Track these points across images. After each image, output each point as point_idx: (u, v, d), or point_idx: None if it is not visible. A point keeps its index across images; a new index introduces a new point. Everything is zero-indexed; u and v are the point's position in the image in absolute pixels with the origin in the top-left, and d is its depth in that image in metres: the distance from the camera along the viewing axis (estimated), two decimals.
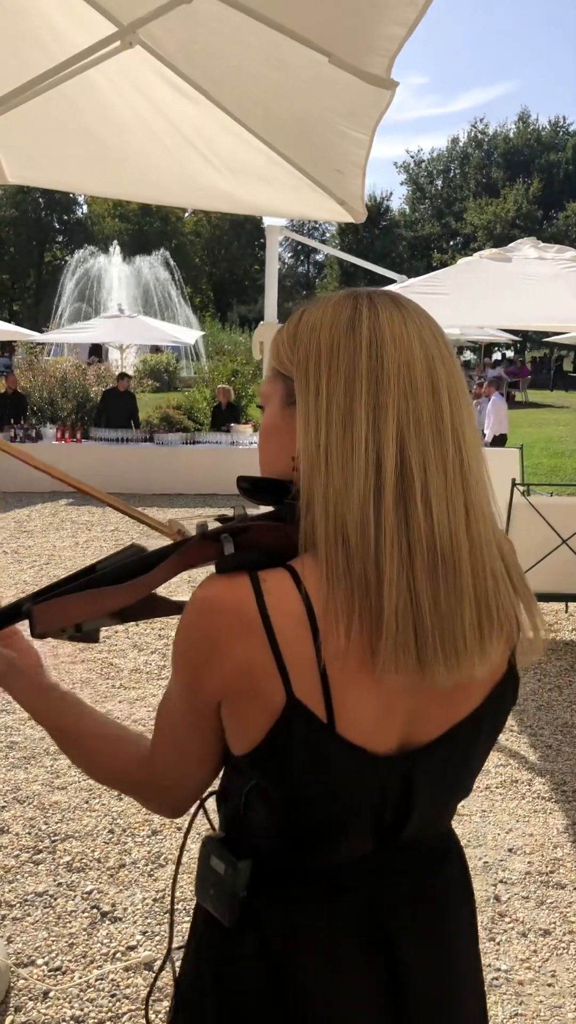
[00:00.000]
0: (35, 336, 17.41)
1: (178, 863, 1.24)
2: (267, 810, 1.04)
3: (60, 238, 52.99)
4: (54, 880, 3.27)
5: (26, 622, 1.11)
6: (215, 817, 1.18)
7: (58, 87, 2.74)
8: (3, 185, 3.48)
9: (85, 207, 53.34)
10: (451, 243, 53.04)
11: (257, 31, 2.24)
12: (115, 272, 28.55)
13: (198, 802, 1.17)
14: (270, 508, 1.09)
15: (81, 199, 52.45)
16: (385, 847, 1.08)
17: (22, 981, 2.74)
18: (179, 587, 5.40)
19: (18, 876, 3.29)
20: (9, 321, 28.57)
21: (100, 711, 1.23)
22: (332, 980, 1.06)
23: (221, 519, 1.05)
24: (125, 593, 1.08)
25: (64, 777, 4.07)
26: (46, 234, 52.28)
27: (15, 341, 18.48)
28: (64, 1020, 2.58)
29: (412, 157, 61.65)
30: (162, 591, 1.17)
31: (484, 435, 13.89)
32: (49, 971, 2.79)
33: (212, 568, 1.02)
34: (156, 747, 1.12)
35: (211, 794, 1.16)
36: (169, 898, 2.85)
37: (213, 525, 1.05)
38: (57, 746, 1.22)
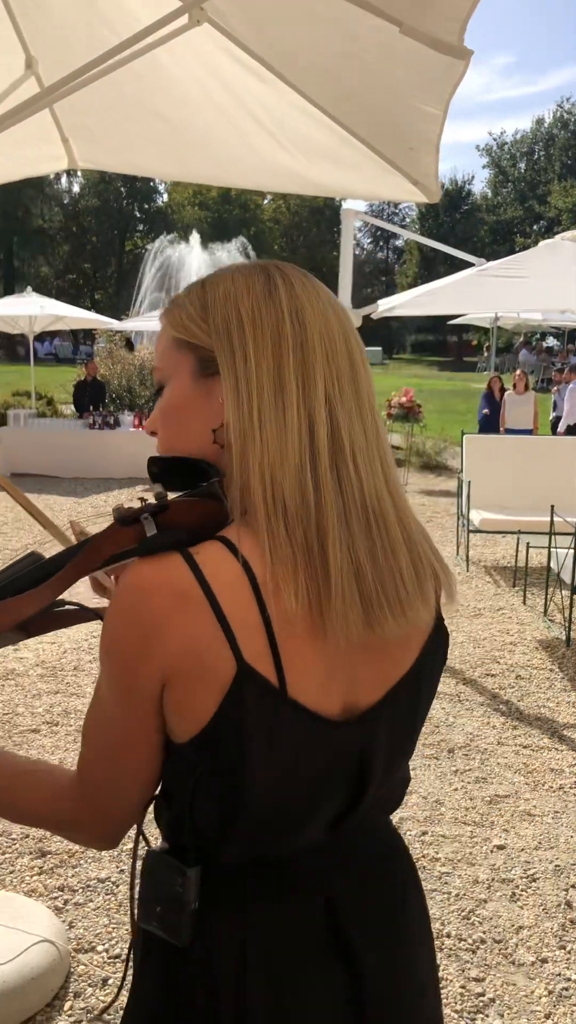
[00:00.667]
0: (113, 324, 17.60)
1: (131, 896, 1.11)
2: (216, 799, 0.97)
3: (141, 227, 53.56)
4: (117, 867, 3.27)
5: None
6: (152, 835, 1.10)
7: (126, 67, 2.71)
8: (73, 170, 3.47)
9: (165, 196, 53.81)
10: (534, 227, 51.87)
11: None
12: (193, 260, 28.67)
13: (135, 826, 1.07)
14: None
15: (161, 188, 52.95)
16: (339, 836, 1.05)
17: (82, 967, 2.74)
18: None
19: (82, 861, 3.30)
20: (90, 309, 28.99)
21: (9, 752, 1.12)
22: (291, 991, 1.01)
23: (119, 510, 1.01)
24: (26, 603, 1.00)
25: None
26: (127, 223, 52.92)
27: (95, 329, 18.73)
28: (120, 1008, 2.57)
29: (495, 139, 60.51)
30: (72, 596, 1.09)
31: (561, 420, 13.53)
32: (109, 958, 2.79)
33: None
34: (84, 767, 1.03)
35: (147, 808, 1.07)
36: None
37: (128, 506, 1.01)
38: None
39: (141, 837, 1.09)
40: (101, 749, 1.01)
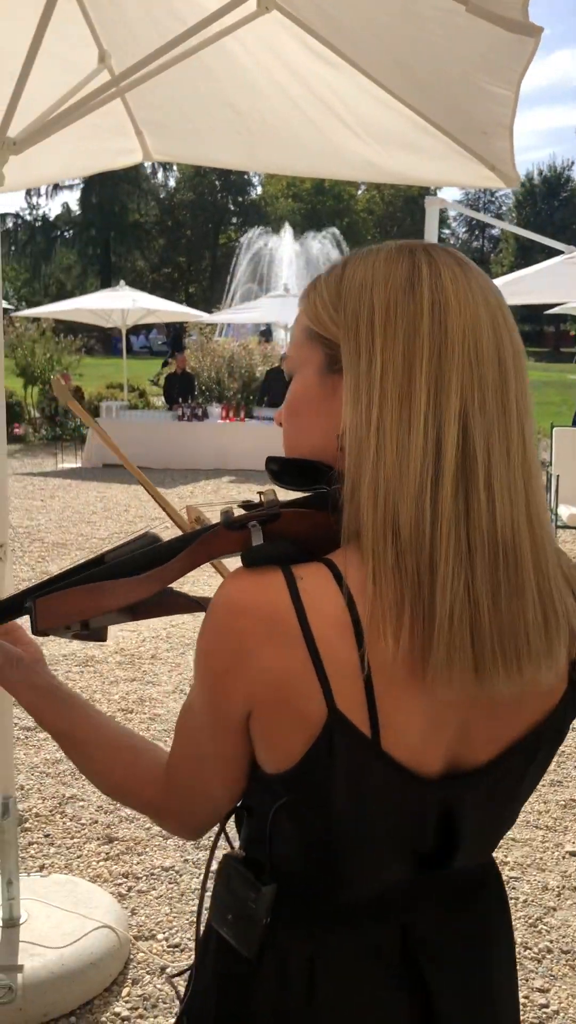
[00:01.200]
0: (203, 316, 17.77)
1: (203, 888, 1.07)
2: (298, 831, 0.93)
3: (235, 220, 53.94)
4: (181, 856, 3.29)
5: (27, 619, 1.00)
6: (235, 834, 1.07)
7: (196, 58, 2.71)
8: (147, 161, 3.49)
9: (260, 188, 54.04)
10: None
11: None
12: (285, 252, 28.74)
13: (220, 824, 1.04)
14: (301, 493, 0.96)
15: (256, 180, 53.20)
16: (432, 869, 0.97)
17: (141, 954, 2.77)
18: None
19: (148, 849, 3.33)
20: (184, 302, 29.37)
21: (110, 718, 1.12)
22: (359, 1018, 0.96)
23: (246, 505, 0.93)
24: (137, 587, 0.97)
25: None
26: (221, 216, 53.37)
27: (186, 323, 18.95)
28: (178, 998, 2.58)
29: None
30: (183, 585, 1.05)
31: None
32: (168, 947, 2.81)
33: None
34: (173, 764, 1.01)
35: (232, 812, 1.03)
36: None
37: (238, 512, 0.92)
38: (62, 751, 1.11)
39: (222, 837, 1.06)
40: (187, 753, 0.99)
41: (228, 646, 0.88)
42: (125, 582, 0.96)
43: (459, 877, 1.01)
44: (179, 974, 1.16)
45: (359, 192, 53.16)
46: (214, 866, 1.02)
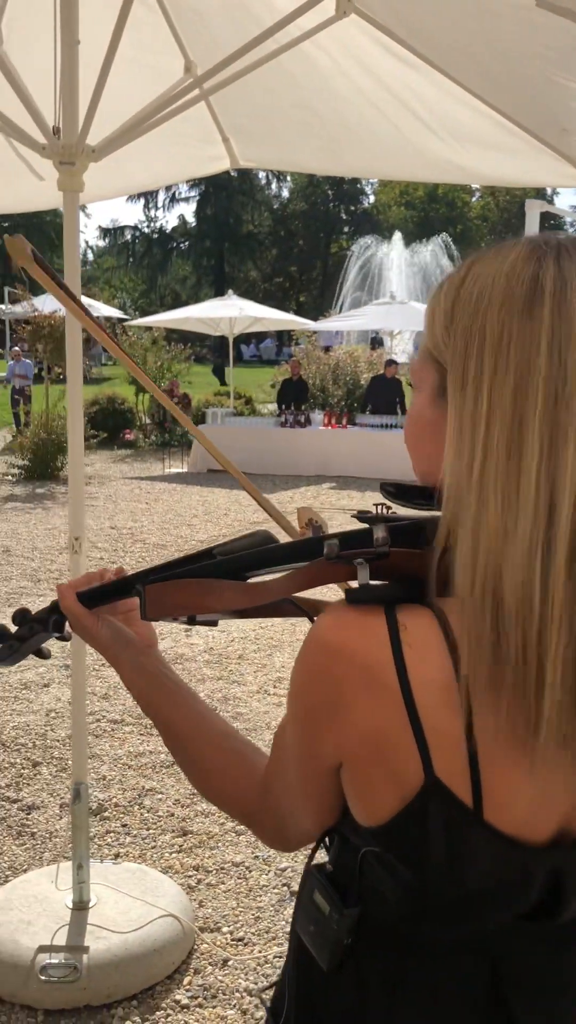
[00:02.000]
0: (309, 325, 17.91)
1: (301, 890, 1.02)
2: (388, 875, 0.86)
3: (347, 229, 54.06)
4: (252, 852, 3.32)
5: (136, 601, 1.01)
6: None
7: (279, 66, 2.76)
8: (234, 168, 3.55)
9: (372, 197, 54.03)
10: None
11: None
12: (395, 260, 28.67)
13: (314, 845, 0.98)
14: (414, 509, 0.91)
15: (368, 189, 53.21)
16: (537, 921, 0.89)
17: (205, 945, 2.81)
18: None
19: (219, 844, 3.38)
20: (294, 311, 29.61)
21: (215, 713, 1.08)
22: None
23: (362, 516, 0.86)
24: (241, 596, 0.95)
25: None
26: (333, 225, 53.57)
27: (294, 331, 19.13)
28: (238, 990, 2.61)
29: None
30: None
31: None
32: (232, 940, 2.84)
33: None
34: (268, 781, 0.97)
35: (326, 835, 0.97)
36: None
37: (350, 526, 0.86)
38: (162, 740, 1.08)
39: (319, 849, 1.00)
40: (280, 776, 0.94)
41: (323, 690, 0.82)
42: (231, 587, 0.95)
43: (563, 923, 0.93)
44: (268, 987, 1.15)
45: (473, 199, 52.48)
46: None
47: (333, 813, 0.92)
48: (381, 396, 13.98)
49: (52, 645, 1.22)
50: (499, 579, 0.74)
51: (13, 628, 1.18)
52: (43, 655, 1.22)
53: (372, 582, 0.83)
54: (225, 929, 2.90)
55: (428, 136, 3.10)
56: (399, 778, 0.80)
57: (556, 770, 0.79)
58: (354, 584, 0.84)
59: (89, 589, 1.09)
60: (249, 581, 0.96)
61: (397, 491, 0.90)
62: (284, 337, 31.54)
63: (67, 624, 1.14)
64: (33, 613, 1.17)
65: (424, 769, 0.79)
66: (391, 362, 14.73)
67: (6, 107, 2.53)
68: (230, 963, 2.74)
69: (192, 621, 1.05)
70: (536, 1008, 0.91)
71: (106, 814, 3.61)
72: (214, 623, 1.09)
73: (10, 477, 12.39)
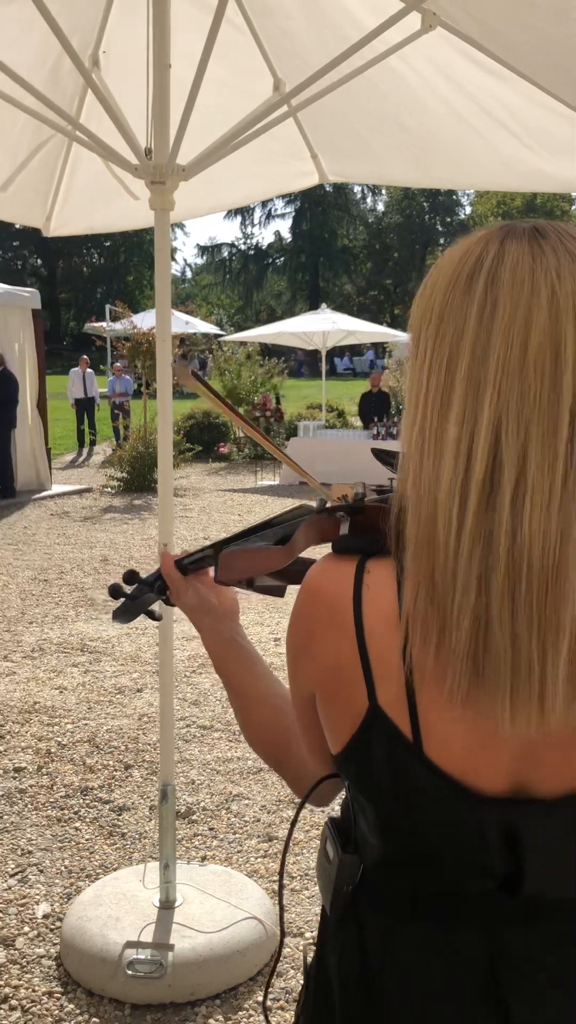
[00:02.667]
0: (400, 336, 17.84)
1: (287, 843, 1.15)
2: (363, 815, 0.95)
3: (443, 240, 53.70)
4: None
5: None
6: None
7: (365, 79, 2.80)
8: (323, 183, 3.61)
9: (468, 208, 53.56)
10: None
11: None
12: None
13: (305, 793, 1.09)
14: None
15: (465, 200, 52.77)
16: (509, 894, 0.92)
17: (287, 949, 2.84)
18: None
19: (305, 851, 3.40)
20: (389, 324, 29.56)
21: (275, 679, 1.18)
22: (429, 1014, 0.94)
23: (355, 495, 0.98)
24: (278, 555, 1.06)
25: None
26: (429, 237, 53.28)
27: (387, 343, 19.10)
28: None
29: None
30: None
31: None
32: (315, 945, 2.85)
33: None
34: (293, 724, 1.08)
35: (326, 778, 1.07)
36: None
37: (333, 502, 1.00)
38: (227, 696, 1.20)
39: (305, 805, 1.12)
40: (294, 712, 1.04)
41: (301, 626, 0.93)
42: (273, 551, 1.07)
43: (567, 906, 0.94)
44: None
45: (573, 208, 51.47)
46: (298, 833, 1.06)
47: (321, 749, 1.00)
48: None
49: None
50: (434, 523, 0.81)
51: (127, 589, 1.32)
52: (154, 616, 1.36)
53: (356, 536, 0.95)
54: (308, 935, 2.92)
55: (516, 145, 3.08)
56: (351, 706, 0.89)
57: (489, 717, 0.82)
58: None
59: (184, 556, 1.22)
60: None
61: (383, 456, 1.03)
62: (379, 350, 31.51)
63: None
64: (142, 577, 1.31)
65: (368, 695, 0.87)
66: None
67: (103, 129, 2.64)
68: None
69: (251, 585, 1.16)
70: (534, 1007, 0.92)
71: (194, 817, 3.67)
72: (281, 594, 1.22)
73: (110, 489, 12.73)
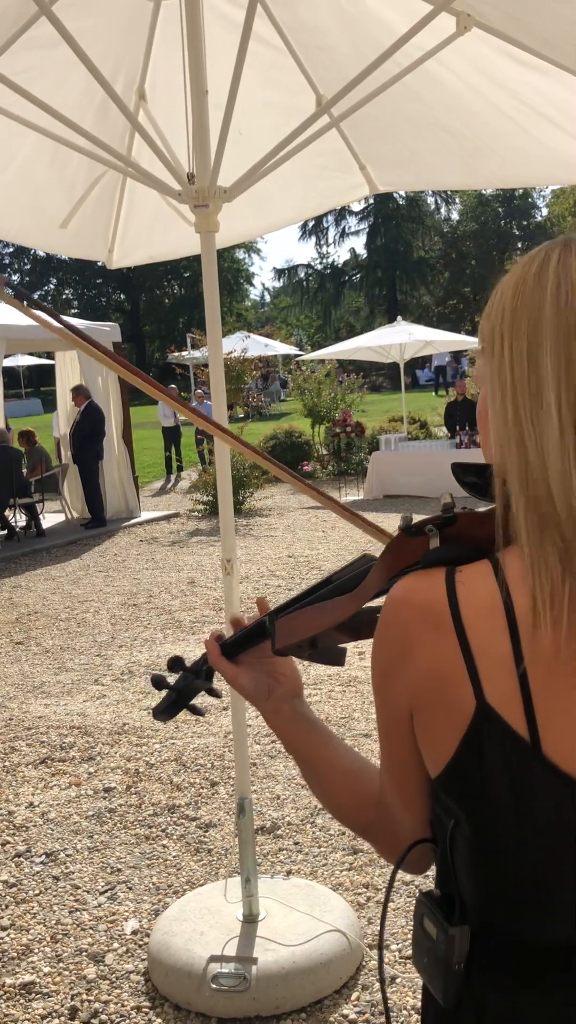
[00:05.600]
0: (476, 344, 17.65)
1: (384, 911, 1.10)
2: (468, 849, 0.87)
3: (520, 244, 52.95)
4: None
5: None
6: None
7: (404, 85, 2.81)
8: (374, 193, 3.62)
9: (545, 210, 52.74)
10: None
11: None
12: None
13: (400, 857, 1.00)
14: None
15: (540, 203, 52.01)
16: None
17: (373, 962, 2.81)
18: None
19: (389, 863, 3.36)
20: (471, 333, 29.29)
21: (345, 744, 1.12)
22: None
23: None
24: (345, 603, 1.00)
25: None
26: (506, 242, 52.62)
27: (466, 351, 18.91)
28: (405, 1007, 2.60)
29: None
30: None
31: None
32: (400, 958, 2.83)
33: None
34: (381, 770, 1.00)
35: (415, 845, 0.98)
36: None
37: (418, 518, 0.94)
38: (300, 773, 1.13)
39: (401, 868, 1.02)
40: (383, 756, 0.98)
41: (392, 638, 0.89)
42: (338, 600, 1.00)
43: None
44: None
45: None
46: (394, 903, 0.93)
47: (417, 797, 0.94)
48: None
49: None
50: (547, 497, 0.81)
51: (171, 678, 1.23)
52: (197, 712, 1.27)
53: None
54: (394, 947, 2.89)
55: (562, 137, 3.04)
56: (457, 711, 0.84)
57: None
58: None
59: (231, 638, 1.14)
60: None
61: (467, 474, 0.96)
62: (457, 358, 31.23)
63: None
64: (187, 664, 1.22)
65: (475, 694, 0.83)
66: None
67: (155, 159, 2.71)
68: (398, 980, 2.73)
69: (314, 647, 1.07)
70: None
71: (279, 832, 3.68)
72: (340, 662, 1.12)
73: (196, 513, 12.91)
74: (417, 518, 0.93)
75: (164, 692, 1.23)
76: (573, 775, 0.80)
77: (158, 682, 1.20)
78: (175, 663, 1.21)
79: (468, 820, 0.86)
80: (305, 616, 1.03)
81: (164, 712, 1.23)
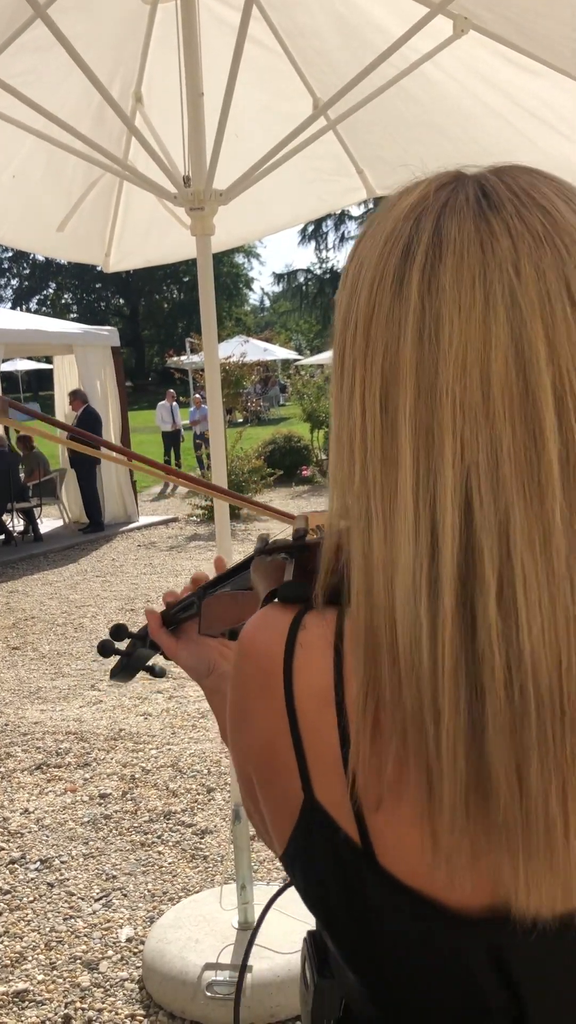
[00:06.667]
0: None
1: (254, 932, 1.05)
2: (326, 933, 0.75)
3: None
4: None
5: None
6: None
7: (402, 88, 2.80)
8: (371, 197, 3.61)
9: None
10: None
11: None
12: None
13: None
14: None
15: None
16: None
17: None
18: None
19: None
20: None
21: None
22: None
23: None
24: (251, 603, 0.92)
25: None
26: None
27: None
28: None
29: None
30: None
31: None
32: None
33: None
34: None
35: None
36: None
37: (274, 539, 0.84)
38: None
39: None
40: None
41: (237, 693, 0.74)
42: (250, 595, 0.93)
43: None
44: None
45: None
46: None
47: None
48: None
49: None
50: (391, 621, 0.60)
51: (120, 644, 1.23)
52: (155, 673, 1.26)
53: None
54: None
55: (560, 141, 3.03)
56: (286, 799, 0.69)
57: (463, 836, 0.61)
58: None
59: (171, 609, 1.12)
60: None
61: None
62: None
63: None
64: (131, 631, 1.22)
65: (303, 788, 0.68)
66: None
67: (152, 162, 2.70)
68: None
69: (234, 636, 1.04)
70: None
71: None
72: None
73: (195, 518, 12.90)
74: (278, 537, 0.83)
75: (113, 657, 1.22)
76: (414, 887, 0.66)
77: (103, 648, 1.18)
78: (118, 631, 1.19)
79: (313, 910, 0.74)
80: (223, 604, 0.99)
81: (119, 674, 1.23)
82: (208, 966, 2.68)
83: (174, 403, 18.41)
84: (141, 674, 1.27)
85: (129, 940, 3.04)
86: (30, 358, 24.47)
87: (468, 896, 0.65)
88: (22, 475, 11.82)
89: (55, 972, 2.88)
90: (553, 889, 0.61)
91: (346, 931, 0.70)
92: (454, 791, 0.59)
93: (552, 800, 0.58)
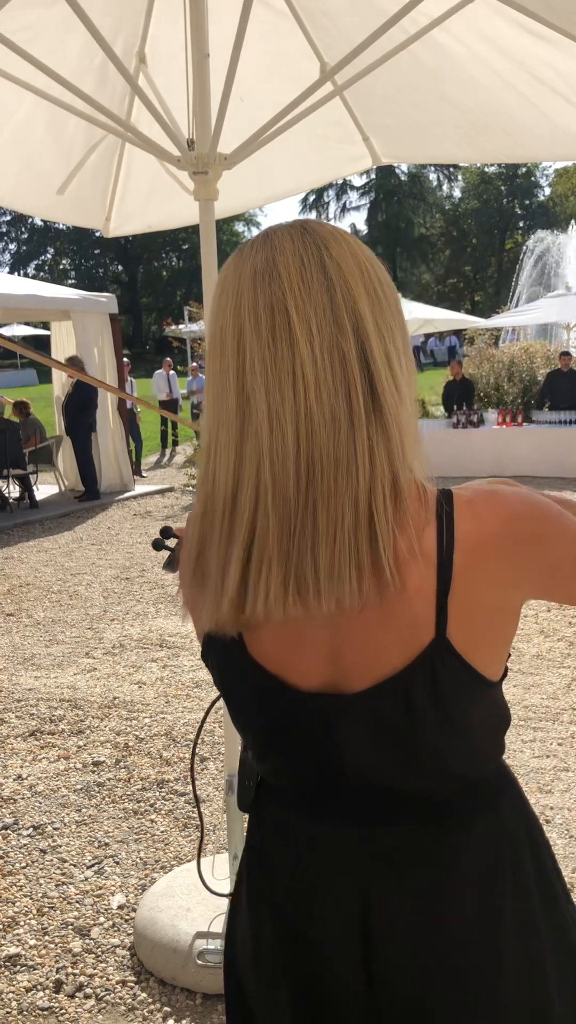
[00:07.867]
0: (479, 322, 17.55)
1: (197, 736, 1.70)
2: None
3: (522, 223, 52.64)
4: None
5: None
6: None
7: (411, 54, 2.74)
8: (376, 165, 3.56)
9: (547, 189, 52.38)
10: None
11: None
12: (573, 251, 27.59)
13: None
14: None
15: (544, 182, 51.65)
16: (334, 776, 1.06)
17: None
18: None
19: None
20: (470, 312, 29.15)
21: None
22: (303, 898, 1.08)
23: None
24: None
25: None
26: (508, 221, 52.30)
27: (465, 330, 18.80)
28: None
29: None
30: None
31: None
32: None
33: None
34: None
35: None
36: None
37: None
38: None
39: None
40: None
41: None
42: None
43: (429, 802, 1.05)
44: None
45: None
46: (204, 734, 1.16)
47: None
48: (561, 390, 13.49)
49: None
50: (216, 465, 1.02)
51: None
52: None
53: None
54: None
55: (572, 113, 2.98)
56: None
57: (303, 618, 0.96)
58: None
59: None
60: None
61: None
62: (461, 338, 31.08)
63: None
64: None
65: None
66: (565, 354, 14.18)
67: (155, 124, 2.64)
68: None
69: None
70: (396, 892, 1.04)
71: None
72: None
73: (191, 488, 12.87)
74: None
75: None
76: (272, 671, 1.03)
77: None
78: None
79: (220, 689, 1.13)
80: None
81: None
82: (199, 935, 2.69)
83: (171, 372, 18.28)
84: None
85: (121, 907, 3.05)
86: (27, 323, 24.25)
87: (304, 678, 1.02)
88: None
89: (47, 937, 2.90)
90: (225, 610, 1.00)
91: (231, 698, 1.11)
92: (219, 562, 0.99)
93: (305, 547, 0.95)
